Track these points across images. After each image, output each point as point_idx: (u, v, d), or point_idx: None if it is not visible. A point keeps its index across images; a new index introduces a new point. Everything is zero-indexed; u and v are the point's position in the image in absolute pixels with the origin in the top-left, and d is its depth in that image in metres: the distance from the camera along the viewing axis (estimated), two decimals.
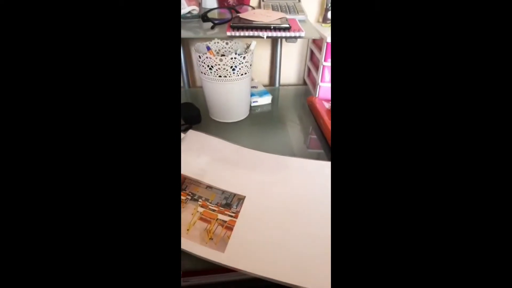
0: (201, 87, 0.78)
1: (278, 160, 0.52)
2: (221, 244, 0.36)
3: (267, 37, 0.58)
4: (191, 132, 0.55)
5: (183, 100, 0.79)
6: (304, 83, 0.96)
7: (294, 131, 0.68)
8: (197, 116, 0.69)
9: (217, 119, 0.70)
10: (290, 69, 0.95)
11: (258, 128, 0.70)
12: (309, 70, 0.87)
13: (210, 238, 0.37)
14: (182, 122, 0.68)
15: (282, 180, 0.46)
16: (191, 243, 0.36)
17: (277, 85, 0.92)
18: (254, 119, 0.73)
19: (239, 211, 0.40)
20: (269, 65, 0.94)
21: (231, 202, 0.42)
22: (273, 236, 0.37)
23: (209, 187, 0.43)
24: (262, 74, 0.96)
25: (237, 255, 0.35)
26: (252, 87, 0.83)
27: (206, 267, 0.36)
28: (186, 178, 0.45)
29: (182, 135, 0.56)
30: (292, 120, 0.74)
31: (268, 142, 0.63)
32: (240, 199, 0.42)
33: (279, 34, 0.58)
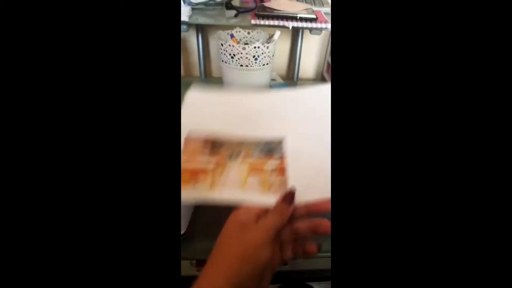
0: (217, 77, 0.77)
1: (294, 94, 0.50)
2: (282, 189, 0.34)
3: (293, 27, 0.57)
4: (191, 95, 0.49)
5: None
6: (322, 78, 0.94)
7: None
8: None
9: None
10: (308, 63, 0.93)
11: None
12: (328, 65, 0.85)
13: (268, 189, 0.34)
14: None
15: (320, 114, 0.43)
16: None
17: (294, 79, 0.90)
18: None
19: (284, 153, 0.38)
20: (287, 59, 0.92)
21: (271, 147, 0.39)
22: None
23: (240, 143, 0.40)
24: (279, 67, 0.94)
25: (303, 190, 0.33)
26: (271, 79, 0.81)
27: None
28: (214, 140, 0.41)
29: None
30: None
31: None
32: (280, 142, 0.40)
33: (305, 24, 0.57)
